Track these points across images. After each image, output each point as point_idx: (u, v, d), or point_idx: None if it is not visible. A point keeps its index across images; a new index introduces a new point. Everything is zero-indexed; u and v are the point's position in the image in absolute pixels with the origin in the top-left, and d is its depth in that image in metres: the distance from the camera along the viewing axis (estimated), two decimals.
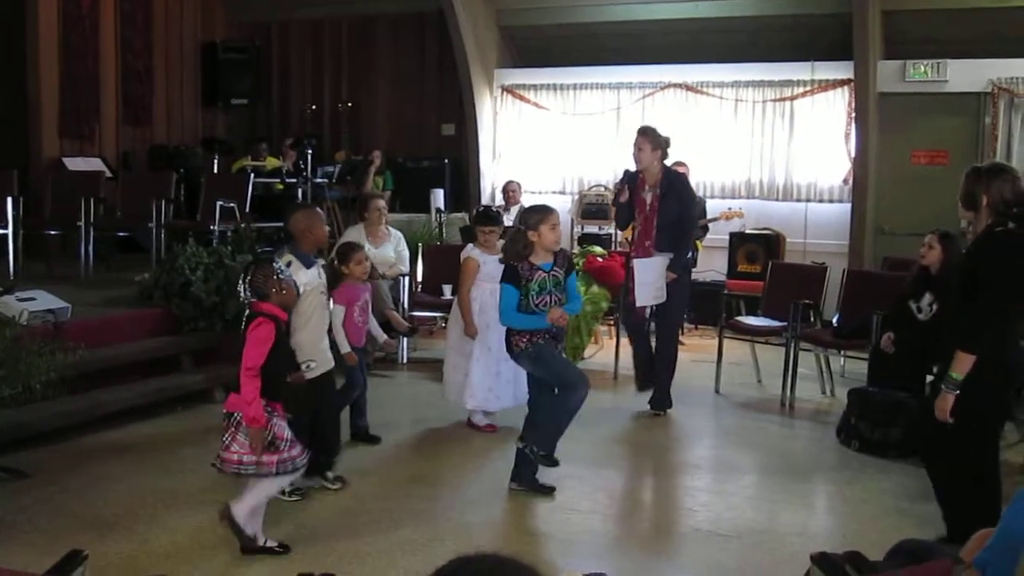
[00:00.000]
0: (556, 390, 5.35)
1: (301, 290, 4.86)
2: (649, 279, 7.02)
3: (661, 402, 7.31)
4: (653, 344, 7.43)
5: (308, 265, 5.18)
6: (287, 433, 4.38)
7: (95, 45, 11.62)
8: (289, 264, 4.91)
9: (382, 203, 8.56)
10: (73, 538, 4.46)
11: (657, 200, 7.06)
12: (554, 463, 5.38)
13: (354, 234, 8.43)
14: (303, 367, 4.99)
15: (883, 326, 6.80)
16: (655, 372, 7.33)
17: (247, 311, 4.44)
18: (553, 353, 5.39)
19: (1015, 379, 6.13)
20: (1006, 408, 5.12)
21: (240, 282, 4.46)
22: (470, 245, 6.94)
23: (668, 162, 7.24)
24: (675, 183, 7.16)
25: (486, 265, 6.60)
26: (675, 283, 7.10)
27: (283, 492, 4.92)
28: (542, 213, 5.36)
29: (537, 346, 5.31)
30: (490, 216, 6.94)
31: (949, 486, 4.52)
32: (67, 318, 6.60)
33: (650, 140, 7.03)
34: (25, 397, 4.89)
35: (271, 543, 4.47)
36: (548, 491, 5.40)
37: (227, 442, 4.32)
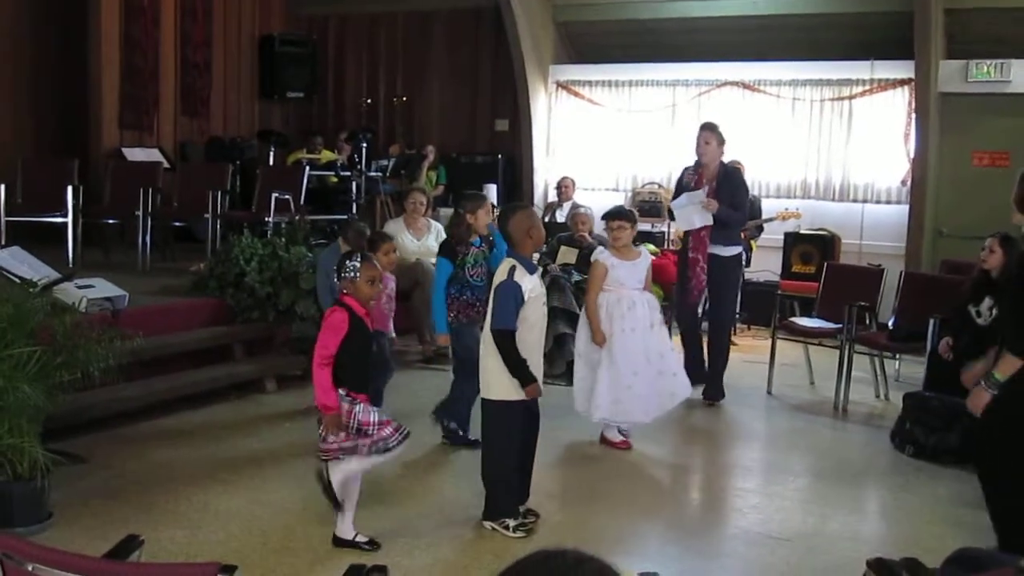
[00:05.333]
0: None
1: (526, 297, 4.67)
2: (683, 202, 7.36)
3: (715, 392, 7.45)
4: (704, 344, 7.55)
5: (531, 271, 4.78)
6: (373, 417, 4.38)
7: (155, 37, 11.76)
8: (513, 270, 4.69)
9: (421, 196, 8.63)
10: (127, 523, 4.53)
11: (713, 193, 7.26)
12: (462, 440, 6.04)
13: (394, 227, 8.50)
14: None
15: (941, 330, 6.69)
16: (705, 373, 7.44)
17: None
18: (472, 336, 5.72)
19: None
20: None
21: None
22: (600, 247, 6.58)
23: (724, 160, 7.42)
24: (731, 176, 7.42)
25: (615, 269, 6.16)
26: (725, 276, 7.42)
27: (508, 528, 4.72)
28: (480, 200, 6.15)
29: (460, 324, 6.00)
30: (621, 212, 6.38)
31: (1000, 495, 4.42)
32: (124, 306, 6.69)
33: (716, 135, 7.33)
34: (83, 383, 4.95)
35: (361, 538, 4.46)
36: (474, 443, 5.72)
37: (323, 434, 4.38)
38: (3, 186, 8.68)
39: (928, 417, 6.24)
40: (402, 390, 6.91)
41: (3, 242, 7.87)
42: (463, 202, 6.14)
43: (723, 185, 7.28)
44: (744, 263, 10.01)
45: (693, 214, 7.28)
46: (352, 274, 4.40)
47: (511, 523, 4.74)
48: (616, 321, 6.12)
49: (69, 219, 8.58)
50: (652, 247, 9.26)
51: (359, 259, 4.45)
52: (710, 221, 7.24)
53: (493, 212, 6.38)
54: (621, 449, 6.28)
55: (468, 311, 6.02)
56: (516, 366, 4.66)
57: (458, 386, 6.13)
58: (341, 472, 4.39)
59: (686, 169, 7.55)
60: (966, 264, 8.01)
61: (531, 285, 4.72)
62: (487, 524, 4.78)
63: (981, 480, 4.57)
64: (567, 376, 7.15)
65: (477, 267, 6.03)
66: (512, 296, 4.66)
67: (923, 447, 6.21)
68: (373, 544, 4.46)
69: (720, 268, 7.35)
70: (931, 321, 6.89)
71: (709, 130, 7.34)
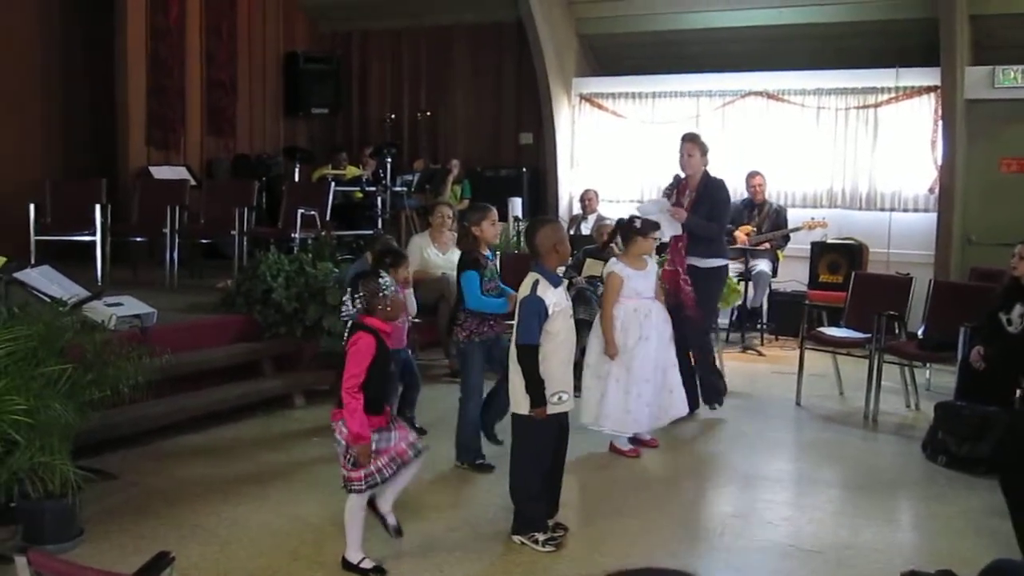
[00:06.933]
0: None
1: (551, 311, 4.64)
2: (651, 209, 7.11)
3: (712, 395, 7.31)
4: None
5: (556, 284, 4.74)
6: (372, 446, 4.28)
7: (181, 56, 11.87)
8: (536, 284, 4.67)
9: (447, 210, 8.57)
10: (157, 539, 4.57)
11: (692, 205, 7.13)
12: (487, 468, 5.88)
13: (419, 241, 8.49)
14: (554, 399, 4.68)
15: (972, 339, 6.63)
16: (700, 390, 7.30)
17: (350, 323, 4.39)
18: (478, 361, 5.88)
19: None
20: None
21: (349, 297, 4.33)
22: (614, 259, 6.50)
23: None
24: (710, 187, 7.19)
25: (631, 280, 6.20)
26: (703, 289, 7.14)
27: (537, 542, 4.68)
28: (483, 211, 5.95)
29: (472, 344, 5.84)
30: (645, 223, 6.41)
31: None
32: (153, 323, 6.73)
33: (699, 146, 7.14)
34: (113, 400, 4.99)
35: (367, 564, 4.36)
36: (488, 469, 5.85)
37: (348, 463, 4.31)
38: (32, 206, 8.80)
39: (960, 426, 6.17)
40: (426, 404, 6.89)
41: (33, 261, 7.93)
42: (467, 214, 6.05)
43: (702, 197, 7.10)
44: (773, 273, 10.02)
45: (663, 223, 7.07)
46: (391, 289, 4.31)
47: (540, 537, 4.71)
48: (632, 330, 6.16)
49: (98, 238, 8.67)
50: None
51: (386, 273, 4.41)
52: (679, 231, 7.12)
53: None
54: (630, 457, 6.29)
55: (482, 327, 5.84)
56: (533, 383, 4.65)
57: (462, 409, 5.99)
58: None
59: (676, 176, 7.31)
60: (996, 271, 7.93)
61: (555, 299, 4.70)
62: (516, 538, 4.76)
63: (1003, 491, 4.52)
64: None
65: (492, 281, 5.93)
66: (535, 311, 4.65)
67: (955, 457, 6.15)
68: (379, 572, 4.34)
69: (697, 280, 7.12)
70: (961, 329, 6.82)
71: (692, 141, 7.14)
